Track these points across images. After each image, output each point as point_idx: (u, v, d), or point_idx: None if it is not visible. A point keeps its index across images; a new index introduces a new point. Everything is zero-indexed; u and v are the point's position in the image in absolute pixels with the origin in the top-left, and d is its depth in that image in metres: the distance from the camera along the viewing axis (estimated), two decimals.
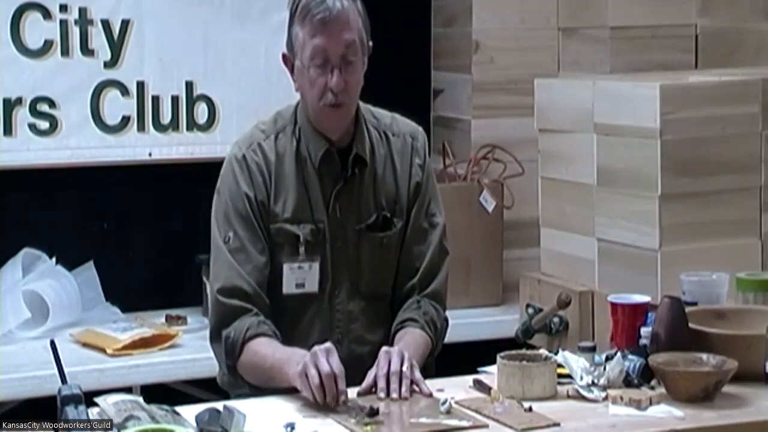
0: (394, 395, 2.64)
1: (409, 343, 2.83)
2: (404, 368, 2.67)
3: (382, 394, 2.65)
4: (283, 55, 2.92)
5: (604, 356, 2.77)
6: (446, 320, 3.02)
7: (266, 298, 2.87)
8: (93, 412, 2.40)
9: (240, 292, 2.84)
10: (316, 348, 2.61)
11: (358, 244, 2.94)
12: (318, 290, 2.91)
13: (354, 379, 2.72)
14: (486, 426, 2.48)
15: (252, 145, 2.93)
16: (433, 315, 2.95)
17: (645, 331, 2.84)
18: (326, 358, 2.58)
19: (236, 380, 2.88)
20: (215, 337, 2.89)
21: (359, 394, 2.68)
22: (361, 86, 2.90)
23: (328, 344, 2.63)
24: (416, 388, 2.67)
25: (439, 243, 3.01)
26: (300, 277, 2.91)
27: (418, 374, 2.70)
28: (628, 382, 2.68)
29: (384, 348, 2.75)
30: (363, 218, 2.94)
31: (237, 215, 2.88)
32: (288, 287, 2.90)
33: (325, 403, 2.55)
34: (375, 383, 2.68)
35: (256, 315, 2.83)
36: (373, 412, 2.49)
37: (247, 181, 2.89)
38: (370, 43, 2.90)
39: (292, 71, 2.91)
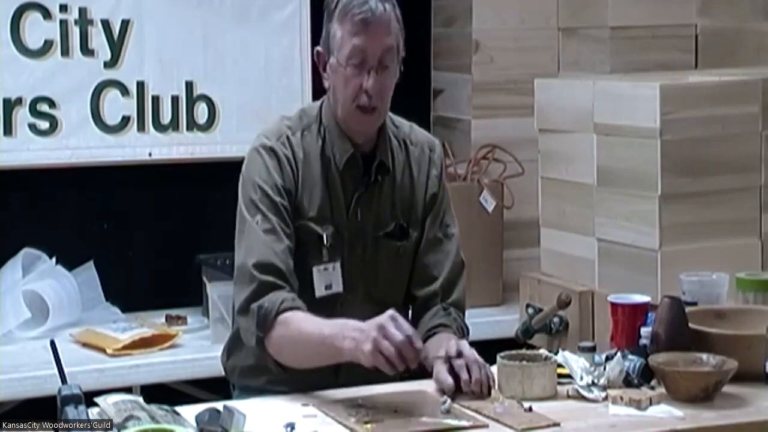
0: (476, 388, 2.62)
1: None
2: (479, 358, 2.67)
3: (466, 388, 2.62)
4: (317, 52, 2.89)
5: (604, 356, 2.77)
6: (468, 328, 3.02)
7: (296, 280, 2.82)
8: (93, 412, 2.40)
9: (275, 270, 2.77)
10: (380, 319, 2.56)
11: (375, 251, 2.92)
12: (342, 290, 2.89)
13: (360, 383, 2.73)
14: (486, 426, 2.47)
15: (281, 137, 2.89)
16: (460, 323, 2.96)
17: (645, 331, 2.84)
18: (394, 326, 2.54)
19: (262, 354, 2.79)
20: (244, 311, 2.79)
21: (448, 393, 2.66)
22: (391, 95, 2.87)
23: (390, 311, 2.58)
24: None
25: (457, 253, 3.00)
26: (327, 278, 2.87)
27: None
28: (628, 382, 2.68)
29: (451, 342, 2.72)
30: (381, 226, 2.92)
31: (267, 200, 2.82)
32: (319, 290, 2.87)
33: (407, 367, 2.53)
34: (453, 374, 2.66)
35: (289, 292, 2.78)
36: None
37: (277, 170, 2.84)
38: (404, 54, 2.88)
39: (324, 68, 2.88)
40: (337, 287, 2.88)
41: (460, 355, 2.66)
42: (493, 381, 2.66)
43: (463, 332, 2.95)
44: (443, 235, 2.99)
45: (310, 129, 2.91)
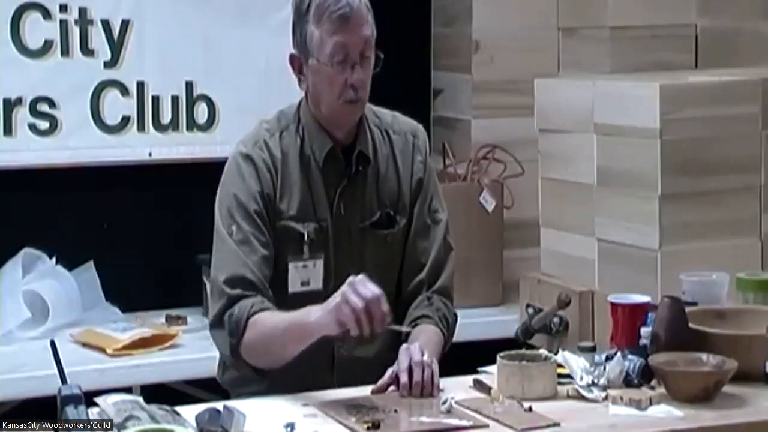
0: (416, 391, 2.64)
1: (426, 341, 2.82)
2: (425, 358, 2.68)
3: (404, 392, 2.65)
4: (291, 56, 2.91)
5: (604, 356, 2.77)
6: (455, 315, 3.02)
7: (269, 290, 2.84)
8: (93, 412, 2.40)
9: (245, 282, 2.80)
10: (352, 279, 2.60)
11: (363, 242, 2.94)
12: (322, 288, 2.90)
13: (356, 381, 2.73)
14: (486, 426, 2.48)
15: (258, 142, 2.92)
16: (444, 311, 2.96)
17: (645, 331, 2.84)
18: (364, 286, 2.58)
19: (238, 363, 2.82)
20: (216, 325, 2.83)
21: (374, 392, 2.68)
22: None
23: (361, 275, 2.62)
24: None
25: (444, 239, 3.01)
26: (305, 275, 2.90)
27: (436, 368, 2.70)
28: (628, 382, 2.68)
29: (404, 345, 2.75)
30: (367, 216, 2.94)
31: (242, 210, 2.85)
32: (293, 286, 2.89)
33: (370, 328, 2.56)
34: (395, 380, 2.68)
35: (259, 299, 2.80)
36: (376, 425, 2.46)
37: (254, 176, 2.87)
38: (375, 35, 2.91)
39: (299, 72, 2.90)
40: (316, 284, 2.90)
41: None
42: (437, 386, 2.67)
43: (447, 322, 2.95)
44: (431, 221, 3.01)
45: (288, 129, 2.94)
